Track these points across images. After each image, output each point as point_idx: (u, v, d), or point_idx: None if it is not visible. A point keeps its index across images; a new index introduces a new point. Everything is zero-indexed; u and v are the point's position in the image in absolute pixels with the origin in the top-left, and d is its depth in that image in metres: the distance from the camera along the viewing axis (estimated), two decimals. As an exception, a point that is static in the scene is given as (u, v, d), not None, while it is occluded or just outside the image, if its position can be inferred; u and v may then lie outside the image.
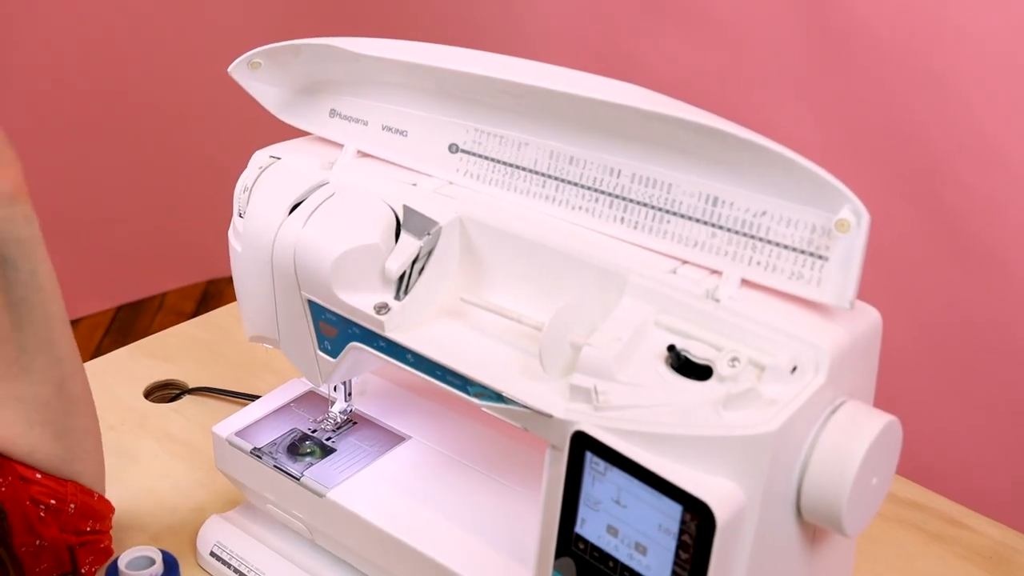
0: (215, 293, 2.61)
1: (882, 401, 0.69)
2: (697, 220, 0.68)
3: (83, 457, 0.88)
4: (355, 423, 0.92)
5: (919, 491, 1.08)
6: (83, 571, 0.88)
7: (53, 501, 0.84)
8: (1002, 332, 1.46)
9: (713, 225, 0.68)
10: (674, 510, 0.60)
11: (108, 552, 0.90)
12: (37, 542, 0.85)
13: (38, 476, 0.84)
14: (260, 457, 0.88)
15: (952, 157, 1.44)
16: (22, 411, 0.84)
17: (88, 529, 0.88)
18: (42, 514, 0.84)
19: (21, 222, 0.80)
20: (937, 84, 1.42)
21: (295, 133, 0.88)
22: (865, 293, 0.64)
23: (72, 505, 0.86)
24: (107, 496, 0.90)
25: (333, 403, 0.93)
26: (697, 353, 0.64)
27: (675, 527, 0.60)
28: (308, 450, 0.88)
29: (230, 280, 0.86)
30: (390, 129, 0.82)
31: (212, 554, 0.92)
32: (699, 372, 0.64)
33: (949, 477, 1.32)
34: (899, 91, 1.47)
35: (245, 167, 0.84)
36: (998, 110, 1.38)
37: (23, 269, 0.81)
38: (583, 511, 0.64)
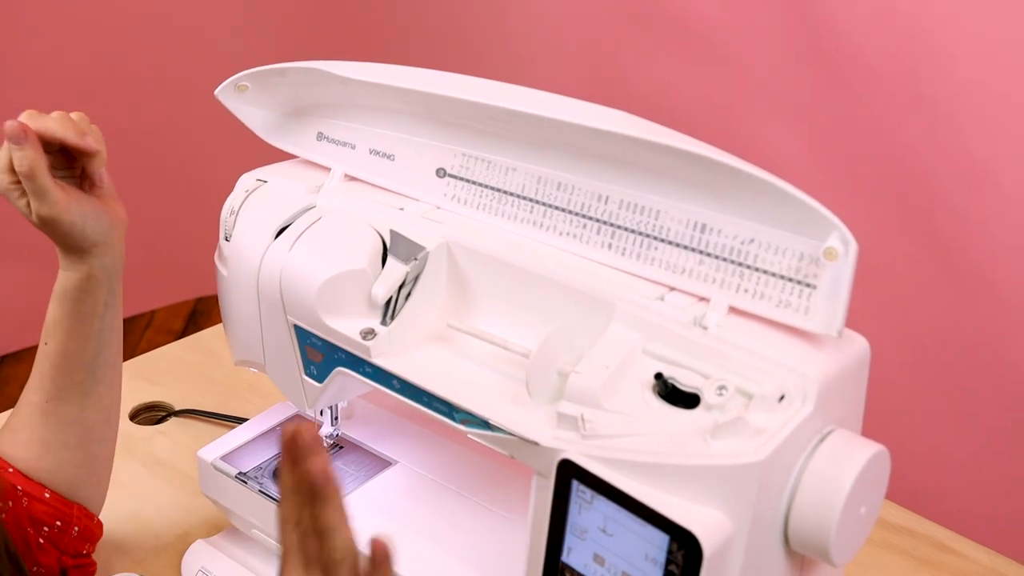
0: (204, 311, 2.59)
1: (872, 425, 0.69)
2: (685, 247, 0.68)
3: (97, 484, 0.88)
4: (342, 447, 0.92)
5: (908, 516, 1.07)
6: None
7: (58, 523, 0.84)
8: (993, 355, 1.46)
9: (701, 252, 0.67)
10: (661, 540, 0.59)
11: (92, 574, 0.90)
12: (34, 568, 0.84)
13: (47, 495, 0.84)
14: (245, 482, 0.87)
15: (943, 180, 1.44)
16: (63, 432, 0.84)
17: (84, 552, 0.88)
18: (41, 540, 0.84)
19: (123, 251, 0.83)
20: (928, 108, 1.43)
21: (282, 156, 0.88)
22: (856, 316, 0.64)
23: (76, 528, 0.85)
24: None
25: (320, 427, 0.92)
26: (684, 381, 0.63)
27: (662, 557, 0.59)
28: (294, 475, 0.88)
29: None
30: (377, 153, 0.82)
31: (196, 579, 0.91)
32: (686, 400, 0.63)
33: (939, 502, 1.31)
34: (890, 115, 1.48)
35: (233, 187, 0.83)
36: (988, 134, 1.38)
37: (120, 297, 0.83)
38: (569, 539, 0.64)
